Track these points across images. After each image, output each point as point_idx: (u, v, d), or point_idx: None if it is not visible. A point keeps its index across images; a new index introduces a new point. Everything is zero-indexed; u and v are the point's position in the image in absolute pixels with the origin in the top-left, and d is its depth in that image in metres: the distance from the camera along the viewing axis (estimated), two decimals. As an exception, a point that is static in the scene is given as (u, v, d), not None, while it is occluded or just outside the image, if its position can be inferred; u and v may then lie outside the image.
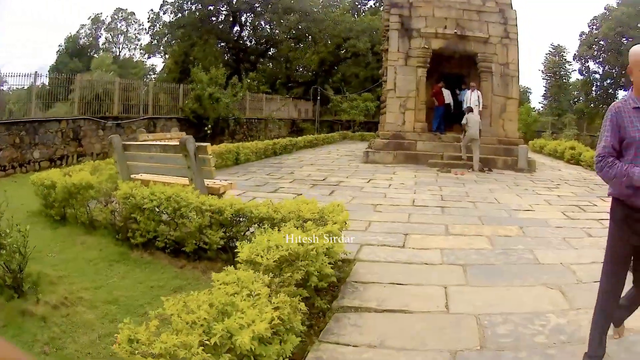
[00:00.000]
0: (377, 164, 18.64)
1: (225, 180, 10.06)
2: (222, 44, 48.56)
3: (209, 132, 25.33)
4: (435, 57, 20.56)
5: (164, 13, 48.87)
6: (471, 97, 19.56)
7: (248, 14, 49.08)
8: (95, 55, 57.85)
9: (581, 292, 5.41)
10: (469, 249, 7.33)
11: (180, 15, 47.53)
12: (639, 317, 4.12)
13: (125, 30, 65.57)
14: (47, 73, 27.87)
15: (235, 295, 3.43)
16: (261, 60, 51.75)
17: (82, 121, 19.39)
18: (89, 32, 63.29)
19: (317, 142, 28.00)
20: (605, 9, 47.91)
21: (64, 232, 7.73)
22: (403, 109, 20.45)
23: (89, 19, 63.44)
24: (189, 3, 47.03)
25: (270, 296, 3.55)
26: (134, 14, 66.19)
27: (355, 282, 5.68)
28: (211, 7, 46.74)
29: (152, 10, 55.10)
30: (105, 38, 64.80)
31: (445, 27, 20.29)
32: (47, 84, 21.26)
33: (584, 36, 49.29)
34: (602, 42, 46.53)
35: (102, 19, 63.85)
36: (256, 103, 35.06)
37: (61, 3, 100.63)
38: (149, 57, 61.15)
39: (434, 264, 6.52)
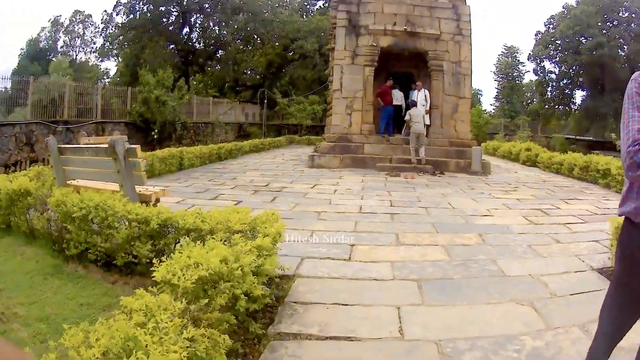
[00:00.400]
0: (323, 168, 17.56)
1: (162, 186, 9.06)
2: (172, 46, 47.33)
3: (155, 136, 24.78)
4: (384, 55, 19.65)
5: (117, 14, 47.90)
6: (418, 97, 18.73)
7: (198, 15, 48.01)
8: (54, 59, 56.37)
9: (557, 307, 4.80)
10: (424, 260, 6.38)
11: (132, 16, 46.32)
12: None
13: (82, 33, 63.80)
14: (10, 77, 27.53)
15: (141, 327, 2.74)
16: (209, 62, 50.43)
17: (34, 125, 19.00)
18: (48, 35, 62.00)
19: (263, 146, 27.21)
20: (563, 8, 47.89)
21: (8, 242, 7.07)
22: (349, 110, 19.44)
23: (49, 21, 62.49)
24: (141, 4, 45.88)
25: (183, 328, 2.86)
26: (91, 16, 64.28)
27: (295, 302, 4.90)
28: (162, 8, 45.67)
29: (105, 11, 53.65)
30: (64, 41, 63.00)
31: (395, 24, 19.36)
32: (9, 88, 21.67)
33: (539, 35, 49.05)
34: (559, 42, 46.20)
35: (61, 21, 62.20)
36: (203, 107, 35.02)
37: (30, 5, 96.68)
38: (102, 61, 59.78)
39: (384, 280, 5.63)
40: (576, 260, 6.51)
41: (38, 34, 61.36)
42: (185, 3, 45.86)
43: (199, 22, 49.05)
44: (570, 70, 46.28)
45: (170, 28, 46.99)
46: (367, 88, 19.40)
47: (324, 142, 19.57)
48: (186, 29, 48.51)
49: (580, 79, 46.04)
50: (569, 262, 6.36)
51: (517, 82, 64.98)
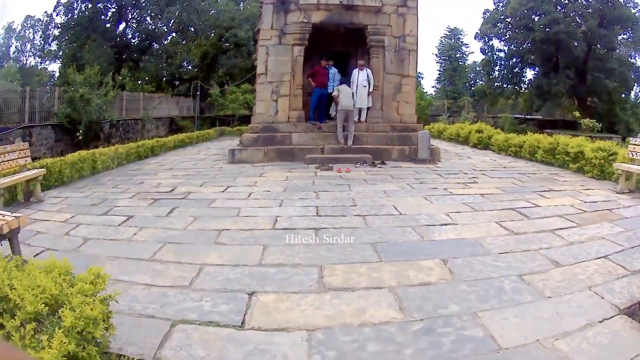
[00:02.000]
0: (245, 163, 15.00)
1: (60, 198, 8.73)
2: (108, 43, 43.66)
3: (80, 137, 23.22)
4: (317, 33, 17.04)
5: (57, 15, 44.33)
6: (359, 77, 16.35)
7: (133, 10, 44.66)
8: (4, 65, 54.45)
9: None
10: (361, 325, 3.96)
11: (70, 15, 43.22)
12: None
13: (32, 37, 60.54)
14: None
15: None
16: (144, 57, 47.15)
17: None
18: (1, 42, 59.48)
19: (190, 140, 24.71)
20: None
21: None
22: (276, 96, 16.74)
23: (2, 28, 59.90)
24: (79, 2, 42.79)
25: None
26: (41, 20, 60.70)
27: None
28: (100, 5, 42.75)
29: (45, 12, 50.01)
30: (16, 47, 60.23)
31: (330, -5, 16.79)
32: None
33: (488, 14, 46.81)
34: (509, 19, 44.09)
35: (13, 28, 59.62)
36: (134, 103, 33.02)
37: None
38: (48, 63, 56.36)
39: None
40: (593, 297, 4.35)
41: None
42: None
43: (135, 16, 45.70)
44: (521, 47, 44.34)
45: (107, 25, 43.95)
46: (296, 70, 16.74)
47: (246, 134, 16.84)
48: (122, 25, 45.43)
49: (532, 57, 43.99)
50: (584, 302, 4.23)
51: (460, 63, 64.84)
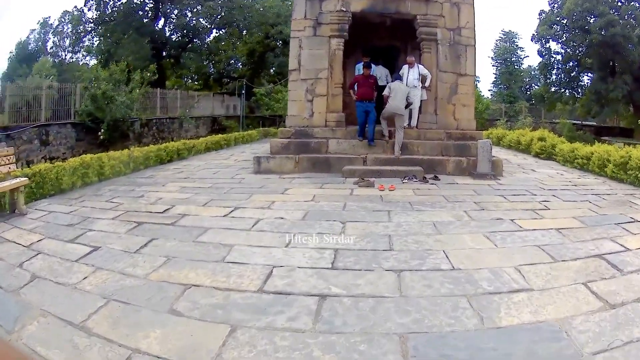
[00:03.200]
0: (272, 174, 12.93)
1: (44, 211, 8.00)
2: (145, 39, 42.89)
3: (102, 137, 22.42)
4: (358, 25, 14.98)
5: (89, 9, 43.43)
6: (409, 75, 14.20)
7: (171, 4, 43.57)
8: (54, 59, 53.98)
9: None
10: None
11: (103, 10, 42.34)
12: None
13: (69, 33, 59.71)
14: (-1, 81, 24.58)
15: None
16: (184, 54, 46.05)
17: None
18: (37, 37, 58.41)
19: (227, 142, 23.21)
20: None
21: None
22: (311, 95, 14.62)
23: (38, 23, 58.75)
24: None
25: None
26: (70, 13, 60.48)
27: None
28: (136, 0, 42.13)
29: (75, 7, 49.21)
30: (53, 42, 58.60)
31: (372, -16, 14.59)
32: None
33: (544, 15, 44.06)
34: (565, 21, 41.21)
35: (50, 23, 57.99)
36: (170, 101, 32.26)
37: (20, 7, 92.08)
38: (90, 59, 55.71)
39: None
40: None
41: (27, 36, 58.64)
42: None
43: (173, 11, 44.80)
44: (578, 50, 41.68)
45: (145, 20, 43.07)
46: (334, 66, 14.61)
47: (275, 139, 14.87)
48: (161, 21, 44.65)
49: (589, 61, 41.25)
50: None
51: (515, 67, 64.94)
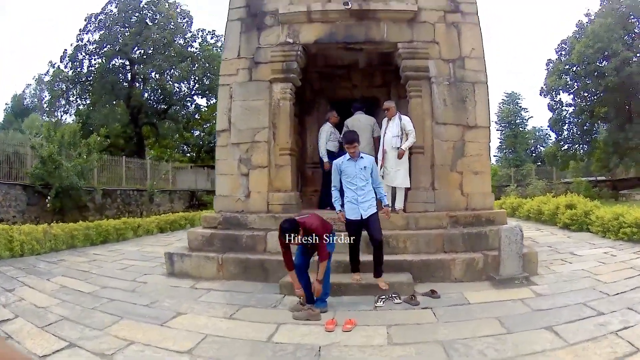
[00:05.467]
0: (188, 278, 8.79)
1: None
2: (121, 101, 40.23)
3: (49, 204, 20.13)
4: (319, 66, 11.18)
5: (65, 66, 40.02)
6: (387, 132, 9.63)
7: (147, 68, 40.01)
8: (42, 116, 52.64)
9: None
10: None
11: (79, 70, 39.47)
12: None
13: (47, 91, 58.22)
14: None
15: None
16: (164, 122, 42.51)
17: None
18: (33, 93, 59.92)
19: (189, 221, 20.37)
20: (577, 26, 40.33)
21: None
22: (246, 167, 10.02)
23: (33, 78, 60.40)
24: (83, 53, 39.36)
25: None
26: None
27: None
28: (114, 62, 39.63)
29: (50, 62, 45.07)
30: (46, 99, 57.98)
31: (330, 0, 10.08)
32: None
33: (551, 65, 41.47)
34: (576, 68, 38.42)
35: (44, 79, 56.58)
36: (137, 171, 29.61)
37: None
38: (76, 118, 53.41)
39: None
40: None
41: (23, 90, 60.12)
42: (134, 52, 39.57)
43: (150, 74, 41.12)
44: (592, 98, 38.75)
45: (122, 82, 40.40)
46: (278, 124, 9.98)
47: (195, 230, 10.17)
48: (139, 84, 41.12)
49: (604, 109, 38.29)
50: None
51: (520, 129, 63.92)
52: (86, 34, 39.16)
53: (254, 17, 10.36)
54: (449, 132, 9.78)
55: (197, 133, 46.28)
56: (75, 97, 40.73)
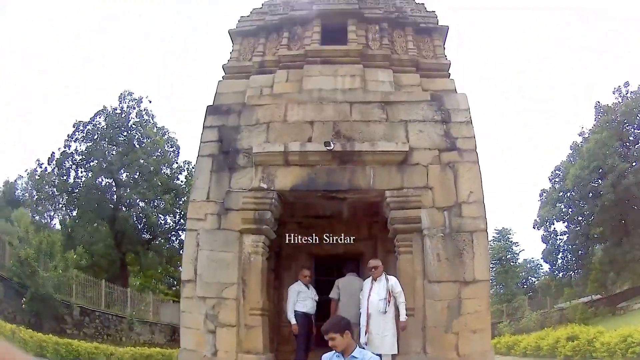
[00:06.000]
0: None
1: None
2: (106, 222, 38.65)
3: (24, 306, 19.23)
4: (298, 216, 10.15)
5: (52, 170, 38.75)
6: (371, 294, 8.45)
7: (133, 193, 38.96)
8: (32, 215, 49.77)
9: None
10: None
11: (66, 177, 38.21)
12: None
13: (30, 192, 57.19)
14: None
15: None
16: (147, 253, 40.32)
17: None
18: (24, 186, 56.96)
19: (165, 358, 20.87)
20: (571, 148, 40.87)
21: None
22: (212, 323, 8.78)
23: (25, 171, 56.72)
24: (71, 162, 38.22)
25: None
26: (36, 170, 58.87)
27: None
28: (100, 178, 38.52)
29: (38, 161, 42.27)
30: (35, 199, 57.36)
31: (310, 139, 9.37)
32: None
33: (544, 195, 41.69)
34: (569, 193, 39.09)
35: (37, 176, 56.65)
36: (118, 298, 29.03)
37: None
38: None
39: None
40: None
41: (15, 180, 57.47)
42: (120, 176, 38.84)
43: (137, 202, 39.83)
44: (589, 220, 38.48)
45: (106, 202, 38.74)
46: (248, 281, 8.83)
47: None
48: (125, 209, 39.59)
49: (599, 229, 37.88)
50: None
51: (511, 264, 62.66)
52: (74, 141, 38.52)
53: (226, 155, 9.52)
54: (444, 290, 8.62)
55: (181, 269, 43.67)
56: (61, 205, 39.89)
